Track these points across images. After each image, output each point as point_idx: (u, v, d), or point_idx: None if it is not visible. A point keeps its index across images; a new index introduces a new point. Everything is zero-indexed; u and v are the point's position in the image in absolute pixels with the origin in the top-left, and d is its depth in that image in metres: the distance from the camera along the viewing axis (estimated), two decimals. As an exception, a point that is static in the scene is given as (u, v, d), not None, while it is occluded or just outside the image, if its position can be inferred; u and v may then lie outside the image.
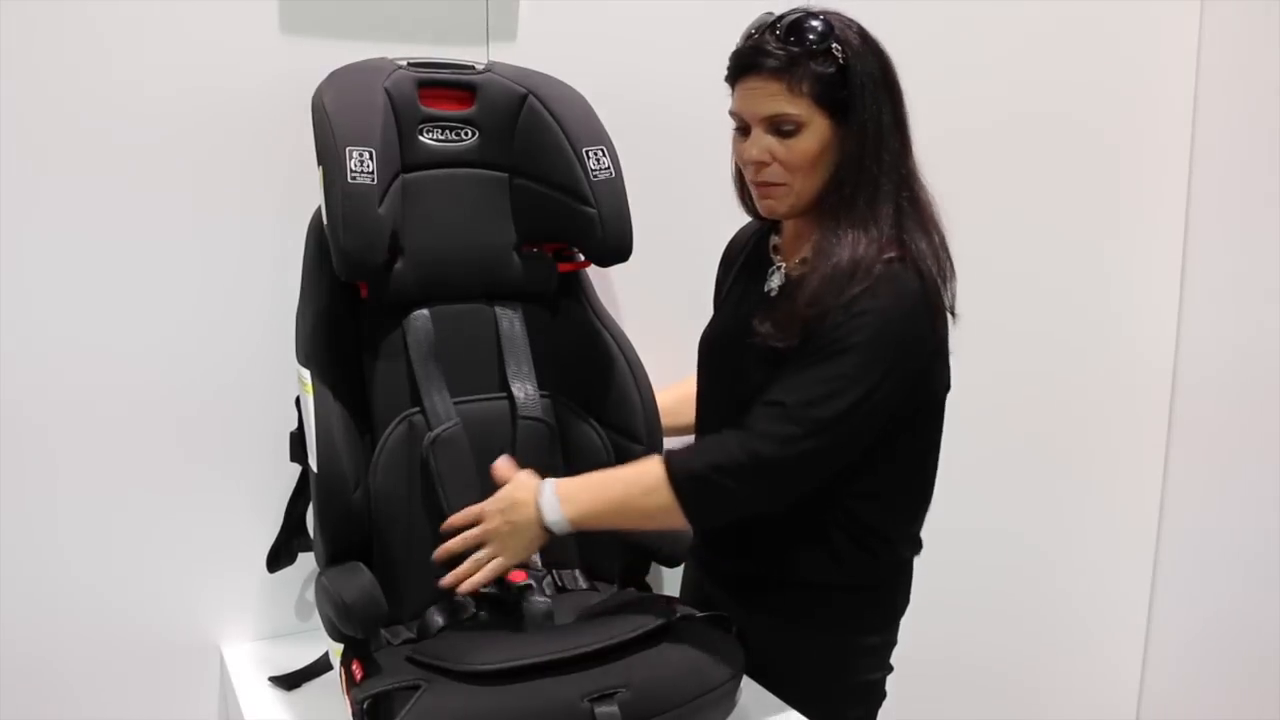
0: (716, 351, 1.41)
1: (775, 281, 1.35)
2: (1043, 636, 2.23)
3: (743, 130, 1.29)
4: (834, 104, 1.24)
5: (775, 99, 1.24)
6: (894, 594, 1.41)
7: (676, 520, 1.22)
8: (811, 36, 1.23)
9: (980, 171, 1.93)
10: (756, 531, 1.33)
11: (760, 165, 1.26)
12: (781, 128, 1.24)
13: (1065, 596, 2.24)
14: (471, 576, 1.21)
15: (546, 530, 1.22)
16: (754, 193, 1.31)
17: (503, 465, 1.26)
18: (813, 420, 1.19)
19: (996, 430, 2.04)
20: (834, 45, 1.23)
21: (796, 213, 1.30)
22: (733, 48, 1.29)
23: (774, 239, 1.40)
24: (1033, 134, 1.99)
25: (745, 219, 1.43)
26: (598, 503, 1.22)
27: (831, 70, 1.23)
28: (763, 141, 1.25)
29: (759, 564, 1.35)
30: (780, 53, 1.23)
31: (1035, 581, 2.19)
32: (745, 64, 1.25)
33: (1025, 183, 2.00)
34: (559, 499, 1.21)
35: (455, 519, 1.24)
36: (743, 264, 1.44)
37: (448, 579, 1.21)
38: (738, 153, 1.30)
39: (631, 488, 1.23)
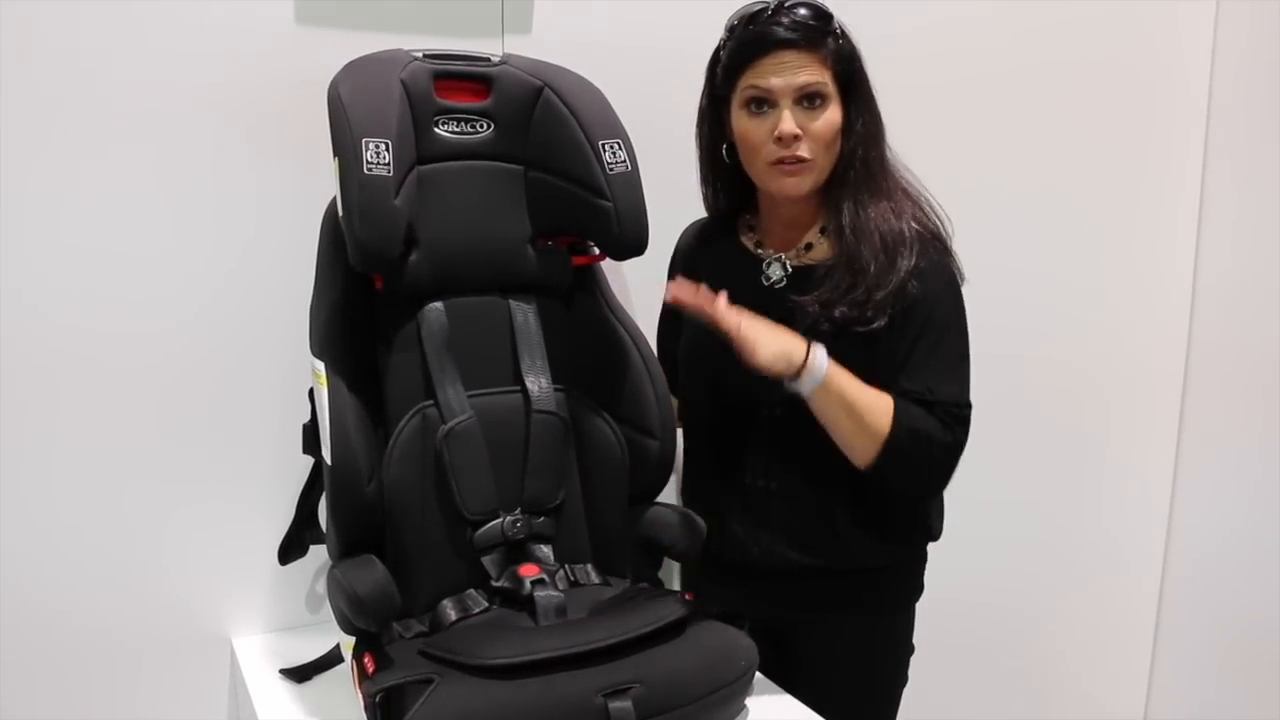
0: (719, 355, 1.40)
1: (777, 272, 1.38)
2: (1051, 630, 2.22)
3: (755, 109, 1.31)
4: (846, 80, 1.31)
5: (810, 69, 1.29)
6: (921, 571, 1.47)
7: (868, 452, 1.30)
8: (824, 16, 1.30)
9: (994, 156, 1.93)
10: (807, 526, 1.36)
11: (793, 139, 1.29)
12: (813, 100, 1.29)
13: (1074, 592, 2.23)
14: (727, 316, 1.26)
15: (805, 363, 1.26)
16: (773, 172, 1.32)
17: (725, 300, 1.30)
18: (966, 405, 1.34)
19: (1001, 422, 2.03)
20: (837, 25, 1.31)
21: (813, 190, 1.34)
22: (735, 33, 1.33)
23: (748, 235, 1.43)
24: (1046, 119, 1.98)
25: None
26: (846, 387, 1.28)
27: (844, 47, 1.31)
28: (795, 115, 1.29)
29: (811, 556, 1.37)
30: (808, 27, 1.28)
31: (1043, 576, 2.18)
32: (774, 39, 1.28)
33: (1039, 163, 1.99)
34: (827, 359, 1.28)
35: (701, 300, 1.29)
36: (712, 267, 1.45)
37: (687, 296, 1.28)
38: (754, 131, 1.32)
39: (870, 402, 1.30)
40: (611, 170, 1.28)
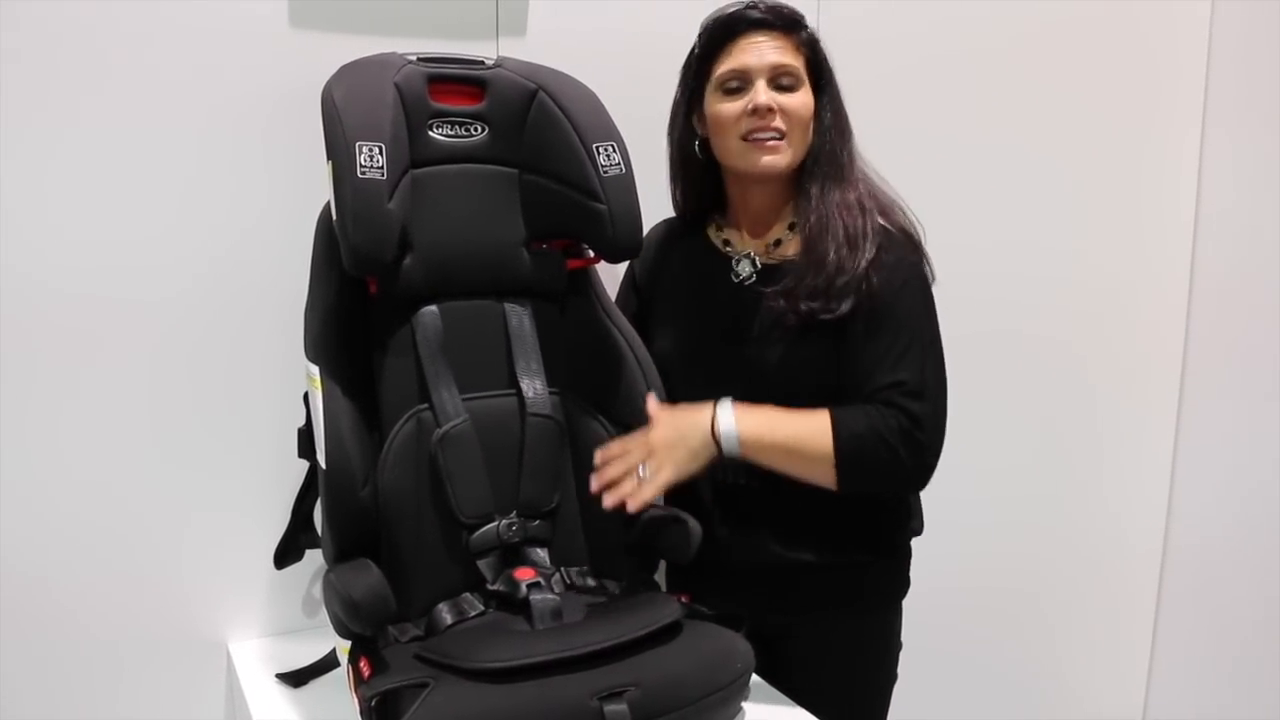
0: (705, 354, 1.40)
1: (746, 268, 1.39)
2: (1047, 628, 2.22)
3: (731, 89, 1.34)
4: (815, 71, 1.35)
5: (783, 51, 1.33)
6: (906, 568, 1.47)
7: (826, 475, 1.27)
8: (796, 13, 1.35)
9: (989, 132, 1.94)
10: (792, 519, 1.36)
11: (768, 111, 1.31)
12: (784, 81, 1.33)
13: (1071, 589, 2.23)
14: (636, 494, 1.24)
15: (716, 440, 1.27)
16: (748, 149, 1.34)
17: (653, 402, 1.31)
18: (936, 389, 1.30)
19: (993, 414, 2.03)
20: (806, 22, 1.36)
21: (788, 171, 1.36)
22: (708, 28, 1.36)
23: (718, 234, 1.44)
24: (1043, 91, 1.99)
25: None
26: (770, 431, 1.28)
27: (815, 41, 1.36)
28: (769, 92, 1.32)
29: (798, 550, 1.38)
30: (781, 13, 1.33)
31: (1039, 573, 2.18)
32: (748, 21, 1.33)
33: (1034, 137, 2.00)
34: (734, 414, 1.28)
35: (613, 446, 1.29)
36: (681, 266, 1.45)
37: (610, 501, 1.25)
38: (729, 109, 1.34)
39: (801, 429, 1.28)
40: (605, 173, 1.28)
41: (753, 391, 1.32)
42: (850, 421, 1.27)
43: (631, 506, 1.24)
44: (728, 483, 1.38)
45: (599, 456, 1.29)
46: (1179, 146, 2.16)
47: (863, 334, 1.31)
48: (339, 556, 1.20)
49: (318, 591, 1.50)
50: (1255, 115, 2.09)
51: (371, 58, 1.28)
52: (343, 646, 1.21)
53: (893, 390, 1.28)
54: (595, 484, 1.27)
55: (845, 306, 1.29)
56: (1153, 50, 2.09)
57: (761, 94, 1.31)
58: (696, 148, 1.40)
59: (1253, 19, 2.07)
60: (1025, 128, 1.97)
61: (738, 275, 1.39)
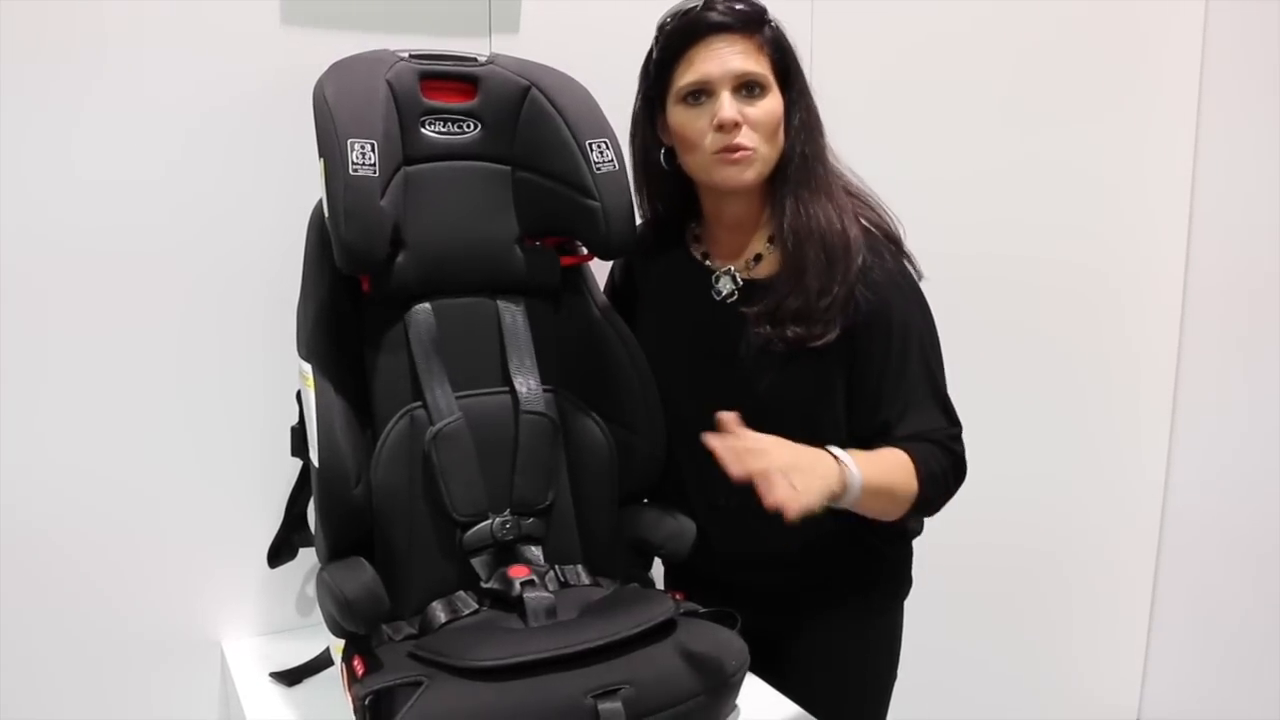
0: (688, 370, 1.38)
1: (727, 285, 1.36)
2: (1044, 627, 2.23)
3: (692, 100, 1.28)
4: (782, 70, 1.29)
5: (746, 55, 1.26)
6: (908, 568, 1.46)
7: (898, 511, 1.25)
8: (758, 6, 1.28)
9: (985, 147, 1.94)
10: (789, 542, 1.33)
11: (734, 126, 1.25)
12: (751, 88, 1.27)
13: (1067, 587, 2.23)
14: (790, 500, 1.05)
15: (844, 482, 1.15)
16: (716, 163, 1.28)
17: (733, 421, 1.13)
18: (957, 425, 1.31)
19: (987, 411, 2.03)
20: (772, 17, 1.29)
21: (759, 182, 1.30)
22: (666, 28, 1.30)
23: (695, 245, 1.40)
24: (1038, 114, 1.99)
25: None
26: (878, 476, 1.19)
27: (780, 37, 1.29)
28: (734, 102, 1.26)
29: (797, 570, 1.37)
30: (742, 12, 1.26)
31: (1035, 572, 2.19)
32: (709, 24, 1.26)
33: (1030, 155, 2.00)
34: (852, 458, 1.17)
35: (745, 435, 1.10)
36: (661, 279, 1.42)
37: (772, 500, 1.05)
38: (693, 122, 1.28)
39: (896, 473, 1.23)
40: (599, 169, 1.28)
41: (740, 413, 1.31)
42: (930, 462, 1.25)
43: (793, 513, 1.06)
44: (720, 505, 1.36)
45: (726, 434, 1.10)
46: (1173, 144, 2.16)
47: (866, 356, 1.28)
48: (332, 555, 1.20)
49: (311, 590, 1.49)
50: (1250, 111, 2.09)
51: (363, 55, 1.28)
52: (336, 645, 1.21)
53: (939, 434, 1.28)
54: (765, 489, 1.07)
55: (833, 333, 1.25)
56: (1147, 47, 2.09)
57: (726, 107, 1.25)
58: (662, 157, 1.35)
59: (1247, 15, 2.07)
60: (1021, 125, 1.97)
61: (719, 293, 1.36)
